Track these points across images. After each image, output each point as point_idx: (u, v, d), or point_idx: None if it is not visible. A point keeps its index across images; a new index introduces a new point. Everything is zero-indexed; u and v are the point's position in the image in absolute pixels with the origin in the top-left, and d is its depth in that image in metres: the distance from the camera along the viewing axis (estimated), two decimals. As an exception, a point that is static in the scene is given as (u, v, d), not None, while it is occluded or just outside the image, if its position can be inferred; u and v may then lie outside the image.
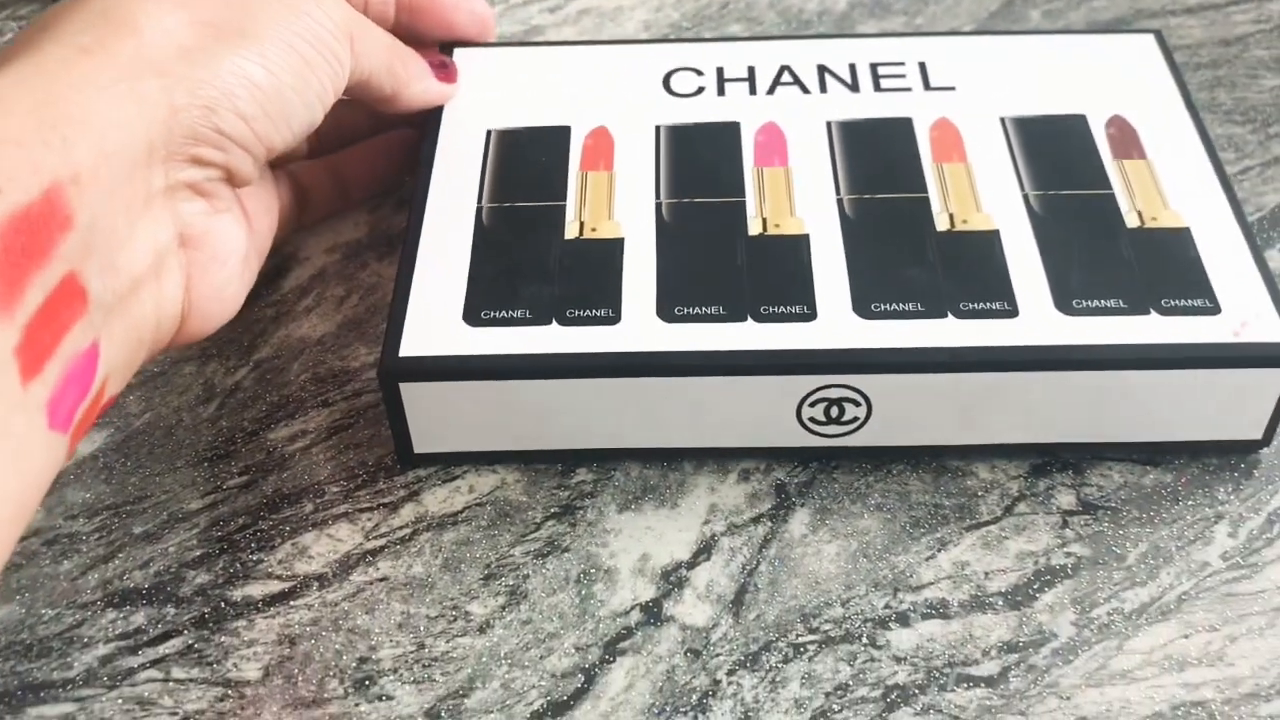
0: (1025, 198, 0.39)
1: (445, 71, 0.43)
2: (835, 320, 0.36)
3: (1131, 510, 0.37)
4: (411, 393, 0.36)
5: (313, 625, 0.35)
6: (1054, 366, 0.35)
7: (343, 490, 0.38)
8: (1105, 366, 0.35)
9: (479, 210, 0.40)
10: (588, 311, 0.37)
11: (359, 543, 0.37)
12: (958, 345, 0.35)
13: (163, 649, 0.34)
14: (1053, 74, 0.44)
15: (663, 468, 0.38)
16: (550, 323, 0.36)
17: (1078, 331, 0.35)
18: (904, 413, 0.36)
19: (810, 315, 0.36)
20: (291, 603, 0.35)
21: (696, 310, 0.37)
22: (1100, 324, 0.36)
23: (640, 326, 0.36)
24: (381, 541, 0.37)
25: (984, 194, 0.40)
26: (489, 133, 0.43)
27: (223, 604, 0.35)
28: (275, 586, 0.36)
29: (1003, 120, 0.42)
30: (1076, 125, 0.42)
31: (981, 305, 0.36)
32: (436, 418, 0.37)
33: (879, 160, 0.41)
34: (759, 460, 0.38)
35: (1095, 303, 0.36)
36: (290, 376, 0.41)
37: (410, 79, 0.40)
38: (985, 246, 0.38)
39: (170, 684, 0.34)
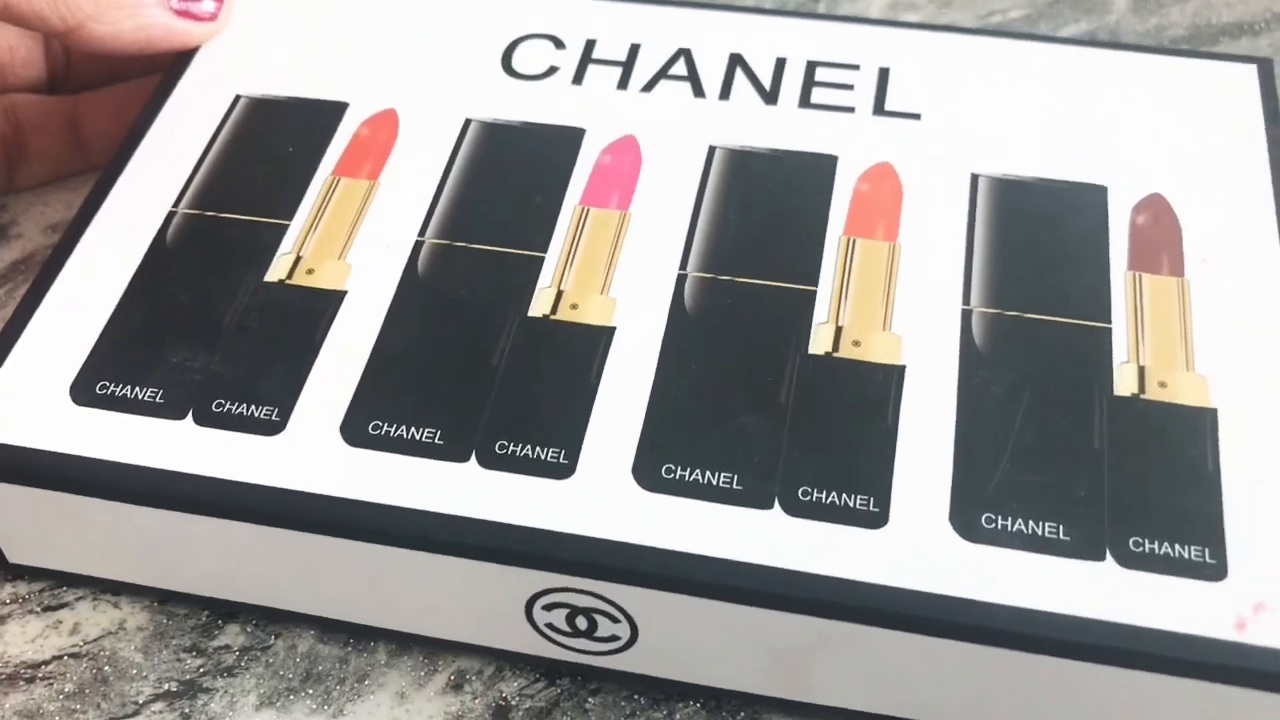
0: (966, 316, 0.25)
1: (195, 3, 0.30)
2: (601, 484, 0.23)
3: None
4: (-23, 490, 0.25)
5: None
6: (926, 629, 0.21)
7: (-89, 596, 0.27)
8: (1010, 643, 0.21)
9: (170, 217, 0.27)
10: (243, 408, 0.24)
11: (-105, 686, 0.26)
12: (776, 564, 0.22)
13: None
14: (1078, 111, 0.29)
15: (345, 645, 0.26)
16: (185, 416, 0.24)
17: (977, 571, 0.21)
18: (688, 647, 0.23)
19: (567, 469, 0.23)
20: None
21: (399, 432, 0.24)
22: (1017, 563, 0.21)
23: (310, 446, 0.24)
24: (-74, 689, 0.25)
25: (903, 300, 0.25)
26: (237, 99, 0.30)
27: None
28: None
29: (975, 178, 0.27)
30: (1088, 203, 0.27)
31: (832, 498, 0.22)
32: (27, 525, 0.25)
33: (764, 218, 0.27)
34: (484, 661, 0.25)
35: (1018, 525, 0.22)
36: (-79, 407, 0.30)
37: (104, 7, 0.28)
38: (872, 394, 0.24)
39: None
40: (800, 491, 0.22)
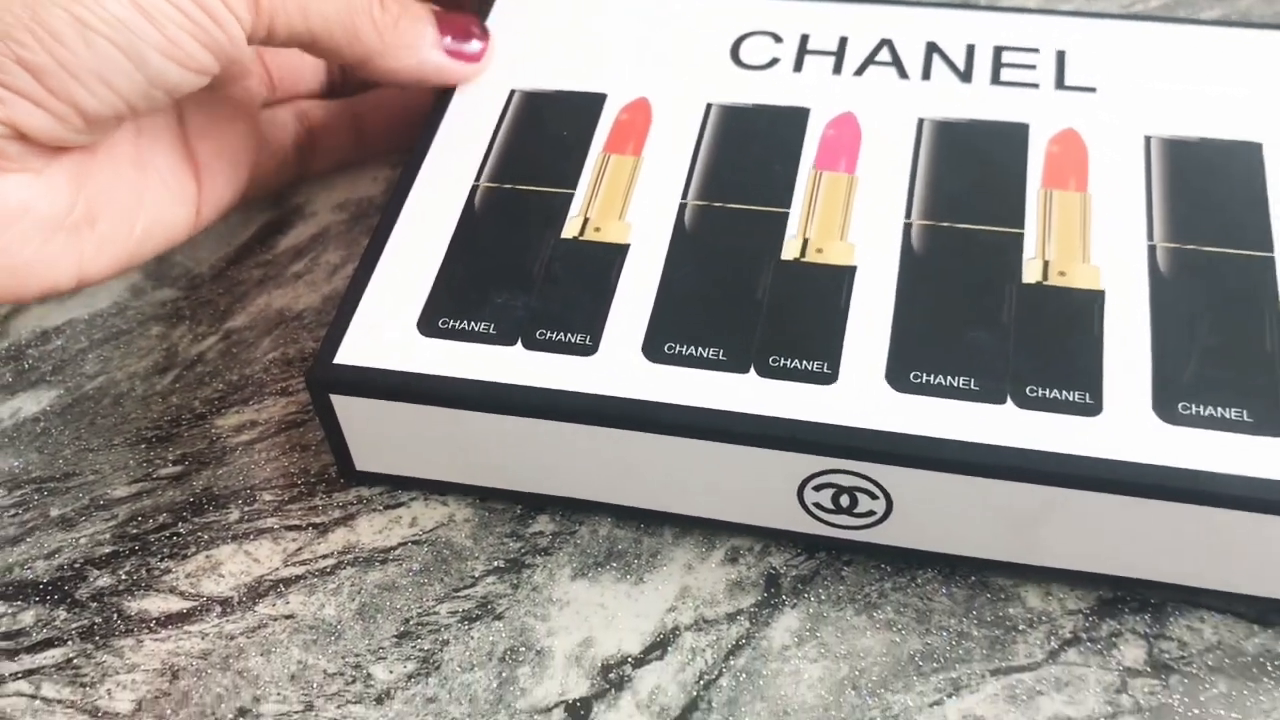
0: (1151, 250, 0.30)
1: (464, 45, 0.36)
2: (860, 388, 0.28)
3: (1218, 683, 0.28)
4: (346, 407, 0.31)
5: (201, 659, 0.30)
6: (1138, 492, 0.27)
7: (275, 500, 0.33)
8: (1211, 502, 0.26)
9: (474, 190, 0.34)
10: (561, 335, 0.30)
11: (275, 567, 0.32)
12: (1010, 444, 0.27)
13: (41, 659, 0.30)
14: (1235, 83, 0.34)
15: (638, 529, 0.31)
16: (515, 343, 0.30)
17: (1178, 448, 0.27)
18: (933, 518, 0.29)
19: (830, 376, 0.29)
20: (186, 627, 0.31)
21: (690, 351, 0.29)
22: (1211, 441, 0.27)
23: (619, 363, 0.29)
24: (300, 570, 0.32)
25: (1097, 239, 0.31)
26: (512, 93, 0.36)
27: (116, 616, 0.31)
28: (175, 605, 0.31)
29: (1148, 140, 0.33)
30: (1245, 157, 0.32)
31: (1055, 394, 0.28)
32: (377, 436, 0.31)
33: (972, 176, 0.32)
34: (754, 540, 0.31)
35: (1210, 411, 0.27)
36: (257, 354, 0.36)
37: (390, 47, 0.33)
38: (1081, 312, 0.29)
39: (37, 702, 0.30)
40: (1029, 389, 0.28)
